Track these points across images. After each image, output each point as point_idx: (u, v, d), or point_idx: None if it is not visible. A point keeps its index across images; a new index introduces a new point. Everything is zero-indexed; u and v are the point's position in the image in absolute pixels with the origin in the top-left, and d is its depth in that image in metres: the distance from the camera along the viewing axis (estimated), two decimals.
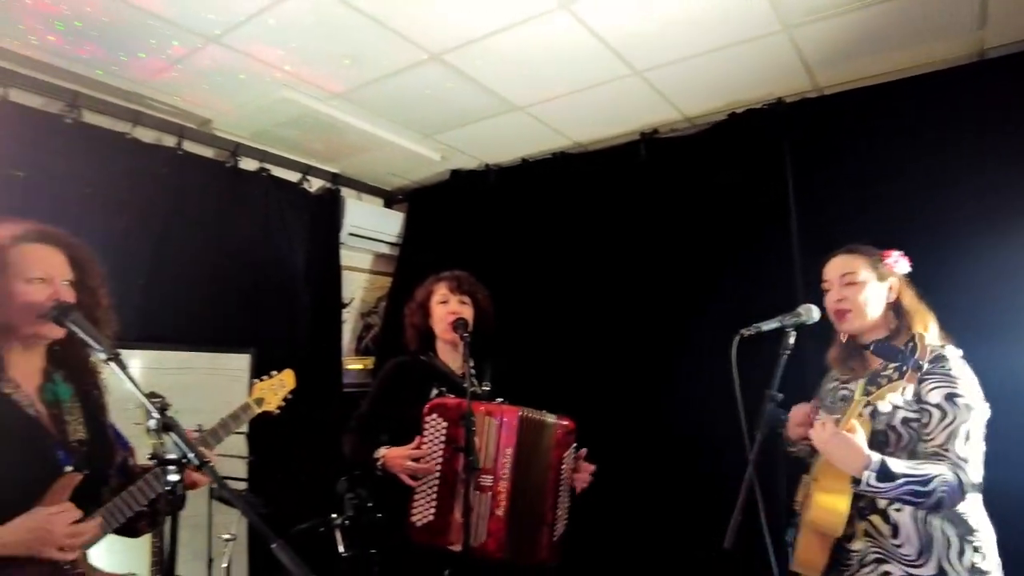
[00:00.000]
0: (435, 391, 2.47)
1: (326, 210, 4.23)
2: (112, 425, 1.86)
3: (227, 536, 2.92)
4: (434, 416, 2.33)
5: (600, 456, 2.56)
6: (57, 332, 1.63)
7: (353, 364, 4.47)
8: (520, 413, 2.35)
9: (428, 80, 3.14)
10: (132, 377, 1.46)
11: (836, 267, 2.06)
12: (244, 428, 3.20)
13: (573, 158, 3.94)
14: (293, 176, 4.08)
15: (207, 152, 3.68)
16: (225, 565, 2.91)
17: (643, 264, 3.54)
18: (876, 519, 1.84)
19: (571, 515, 2.44)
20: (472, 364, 2.54)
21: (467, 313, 2.53)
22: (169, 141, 3.48)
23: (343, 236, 4.27)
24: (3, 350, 1.60)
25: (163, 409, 1.38)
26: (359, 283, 4.61)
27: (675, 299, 3.39)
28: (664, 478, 3.25)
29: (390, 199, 4.83)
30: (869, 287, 1.99)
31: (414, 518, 2.27)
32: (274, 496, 3.11)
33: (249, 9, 2.59)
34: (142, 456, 1.92)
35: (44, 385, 1.70)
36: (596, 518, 2.93)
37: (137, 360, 3.20)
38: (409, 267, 4.47)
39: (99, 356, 1.51)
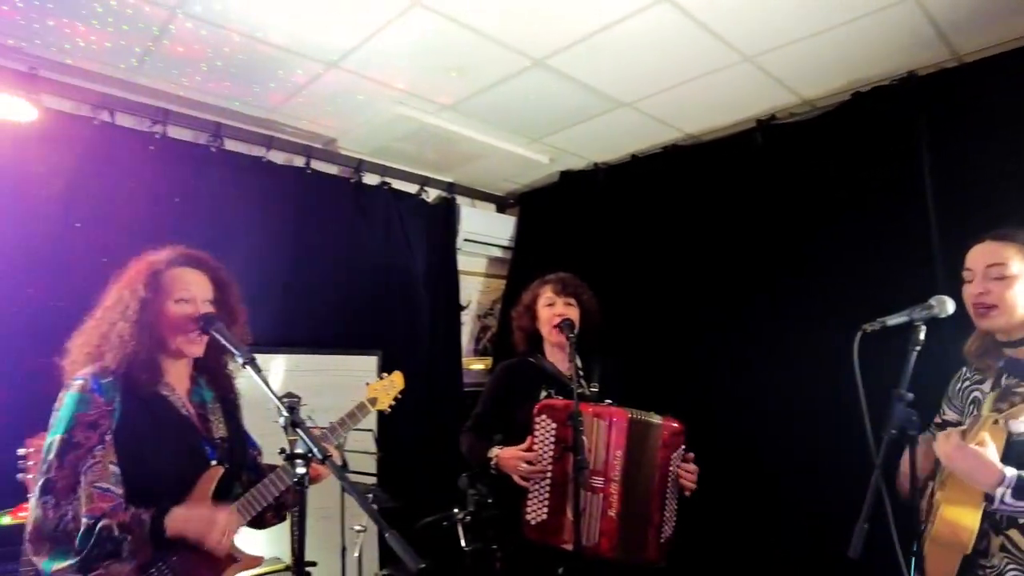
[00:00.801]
0: (544, 392, 2.51)
1: (442, 218, 4.41)
2: (243, 427, 2.07)
3: (358, 527, 3.12)
4: (543, 417, 2.37)
5: (710, 459, 2.49)
6: (197, 350, 1.83)
7: (472, 364, 4.62)
8: (630, 415, 2.34)
9: (533, 85, 3.19)
10: (265, 379, 1.62)
11: (982, 256, 1.81)
12: (371, 425, 3.43)
13: (684, 150, 3.84)
14: (411, 188, 4.29)
15: (332, 170, 3.96)
16: (357, 555, 3.12)
17: (760, 258, 3.38)
18: (1015, 534, 1.65)
19: (679, 518, 2.41)
20: (580, 365, 2.57)
21: (573, 314, 2.55)
22: (299, 162, 3.78)
23: (459, 242, 4.44)
24: (161, 359, 1.81)
25: (292, 408, 1.52)
26: (475, 286, 4.77)
27: (794, 295, 3.21)
28: (779, 482, 3.10)
29: (502, 204, 4.94)
30: (1021, 282, 1.75)
31: (528, 516, 2.33)
32: (401, 491, 3.30)
33: (361, 34, 2.76)
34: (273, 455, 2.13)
35: (192, 389, 1.92)
36: (704, 522, 2.86)
37: (276, 363, 3.50)
38: (522, 269, 4.56)
39: (238, 360, 1.69)
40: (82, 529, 1.55)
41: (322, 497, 3.22)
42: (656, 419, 2.37)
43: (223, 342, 1.73)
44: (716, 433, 2.84)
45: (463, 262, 4.55)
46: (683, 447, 2.39)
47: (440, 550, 3.51)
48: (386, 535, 1.33)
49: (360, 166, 3.97)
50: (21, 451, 2.19)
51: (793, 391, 3.08)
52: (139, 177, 3.18)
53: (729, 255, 3.51)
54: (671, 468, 2.36)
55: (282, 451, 1.62)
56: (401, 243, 4.16)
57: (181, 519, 1.65)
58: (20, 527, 2.25)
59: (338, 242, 3.85)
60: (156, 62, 2.97)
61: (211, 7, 2.56)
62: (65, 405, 1.67)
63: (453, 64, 3.02)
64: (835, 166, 3.17)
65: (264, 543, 2.37)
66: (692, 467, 2.42)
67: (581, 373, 2.54)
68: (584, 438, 2.24)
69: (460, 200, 4.55)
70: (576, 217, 4.27)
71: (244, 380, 2.01)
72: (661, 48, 2.86)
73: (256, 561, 1.91)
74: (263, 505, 1.87)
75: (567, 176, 4.36)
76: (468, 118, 3.60)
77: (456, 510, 3.06)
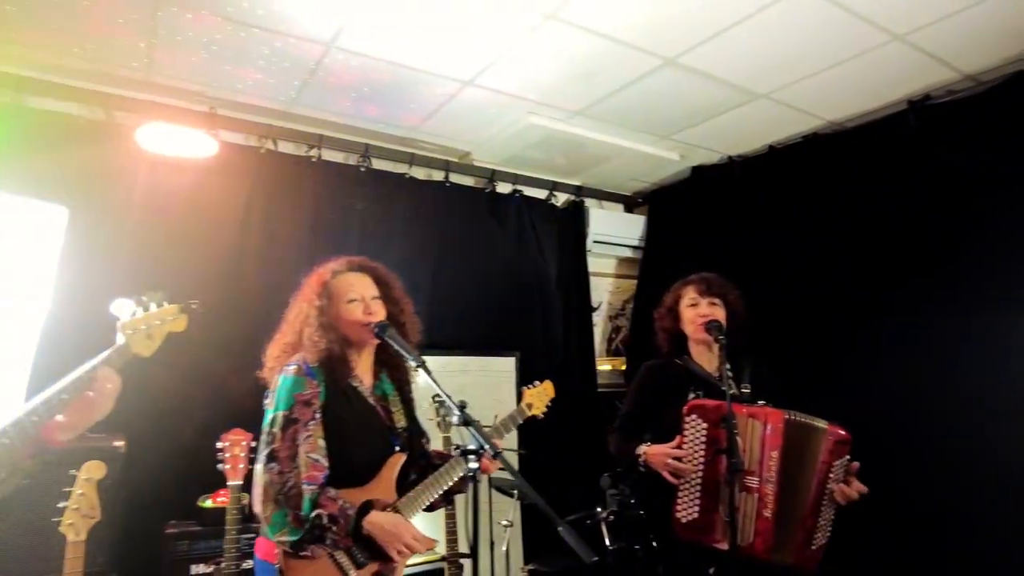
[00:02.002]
0: (692, 393, 2.50)
1: (572, 221, 4.49)
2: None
3: (505, 522, 3.25)
4: (693, 417, 2.36)
5: (869, 466, 2.36)
6: (372, 338, 2.04)
7: (605, 365, 4.65)
8: (786, 416, 2.28)
9: (663, 84, 3.18)
10: (436, 380, 1.76)
11: None
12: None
13: (827, 138, 3.66)
14: (541, 193, 4.39)
15: (468, 181, 4.14)
16: (504, 548, 3.25)
17: (915, 246, 3.15)
18: None
19: (835, 527, 2.32)
20: (728, 366, 2.53)
21: (718, 315, 2.52)
22: (437, 176, 3.99)
23: (589, 244, 4.48)
24: (349, 354, 2.03)
25: (463, 407, 1.64)
26: (605, 287, 4.79)
27: (960, 288, 2.97)
28: (944, 488, 2.87)
29: (630, 203, 4.93)
30: None
31: (679, 515, 2.33)
32: (542, 488, 3.40)
33: (495, 52, 2.89)
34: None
35: (375, 383, 2.13)
36: (864, 534, 2.70)
37: (442, 365, 3.71)
38: (653, 269, 4.53)
39: (410, 363, 1.85)
40: (305, 504, 1.77)
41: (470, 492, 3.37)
42: (820, 423, 2.28)
43: (396, 347, 1.90)
44: (871, 432, 2.68)
45: (593, 264, 4.59)
46: (847, 456, 2.29)
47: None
48: (559, 528, 1.41)
49: (493, 176, 4.13)
50: (219, 444, 2.49)
51: (957, 384, 2.86)
52: (299, 198, 3.51)
53: (879, 244, 3.30)
54: (832, 476, 2.27)
55: (456, 447, 1.75)
56: (534, 248, 4.28)
57: (376, 524, 1.84)
58: (221, 511, 2.58)
59: (476, 250, 4.03)
60: (312, 93, 3.26)
61: (360, 40, 2.79)
62: (282, 386, 1.90)
63: (584, 71, 3.08)
64: (999, 145, 2.90)
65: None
66: (859, 484, 2.30)
67: (730, 374, 2.51)
68: (738, 438, 2.21)
69: (588, 202, 4.59)
70: (709, 213, 4.19)
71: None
72: (801, 36, 2.76)
73: (431, 543, 2.05)
74: (440, 492, 2.05)
75: (699, 171, 4.29)
76: (597, 121, 3.64)
77: (599, 509, 3.11)
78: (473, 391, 3.76)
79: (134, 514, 2.62)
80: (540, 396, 2.51)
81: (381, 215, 3.74)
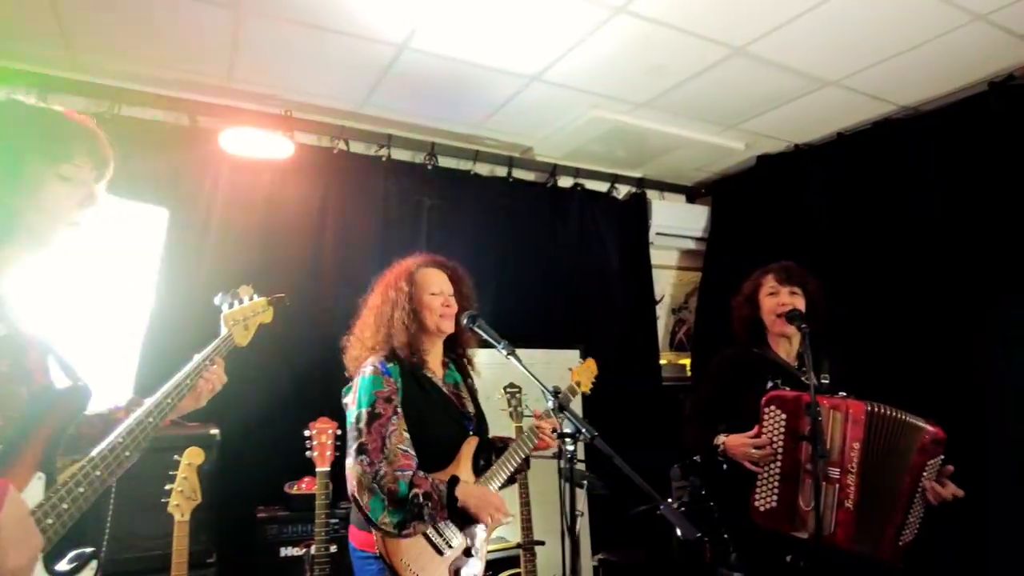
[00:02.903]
0: (770, 383, 2.49)
1: (633, 214, 4.49)
2: None
3: (576, 512, 3.28)
4: (772, 408, 2.36)
5: (964, 468, 2.31)
6: (450, 327, 2.16)
7: (669, 358, 4.63)
8: (868, 408, 2.25)
9: (731, 74, 3.16)
10: (527, 367, 1.82)
11: None
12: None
13: (899, 124, 3.56)
14: (602, 186, 4.41)
15: (530, 176, 4.20)
16: (576, 537, 3.28)
17: (1003, 234, 3.04)
18: None
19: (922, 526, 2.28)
20: (804, 356, 2.52)
21: (799, 304, 2.51)
22: (500, 171, 4.05)
23: (651, 236, 4.47)
24: (423, 342, 2.14)
25: (556, 392, 1.69)
26: (668, 280, 4.77)
27: None
28: None
29: (692, 194, 4.89)
30: None
31: (757, 503, 2.34)
32: (608, 480, 3.43)
33: (562, 47, 2.93)
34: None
35: (445, 372, 2.25)
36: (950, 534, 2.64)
37: (493, 356, 3.78)
38: (718, 260, 4.49)
39: (500, 352, 1.93)
40: (401, 486, 1.87)
41: (542, 481, 3.43)
42: (915, 420, 2.24)
43: (486, 336, 2.00)
44: (967, 434, 2.61)
45: (655, 256, 4.58)
46: (942, 456, 2.25)
47: (652, 540, 3.62)
48: (660, 508, 1.44)
49: (555, 170, 4.17)
50: (307, 432, 2.61)
51: None
52: (370, 196, 3.63)
53: (960, 232, 3.20)
54: (925, 473, 2.23)
55: (553, 431, 1.83)
56: (595, 241, 4.30)
57: (467, 493, 1.96)
58: (306, 496, 2.71)
59: (539, 243, 4.08)
60: (382, 93, 3.36)
61: (432, 40, 2.87)
62: (363, 386, 2.01)
63: (651, 63, 3.08)
64: None
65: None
66: (954, 488, 2.25)
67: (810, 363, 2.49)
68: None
69: (650, 194, 4.59)
70: (775, 202, 4.12)
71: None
72: (874, 20, 2.70)
73: (507, 516, 2.14)
74: (511, 472, 2.17)
75: (764, 160, 4.23)
76: (661, 113, 3.63)
77: (670, 500, 3.13)
78: (533, 384, 3.80)
79: (228, 499, 2.76)
80: (585, 373, 2.61)
81: (447, 211, 3.83)
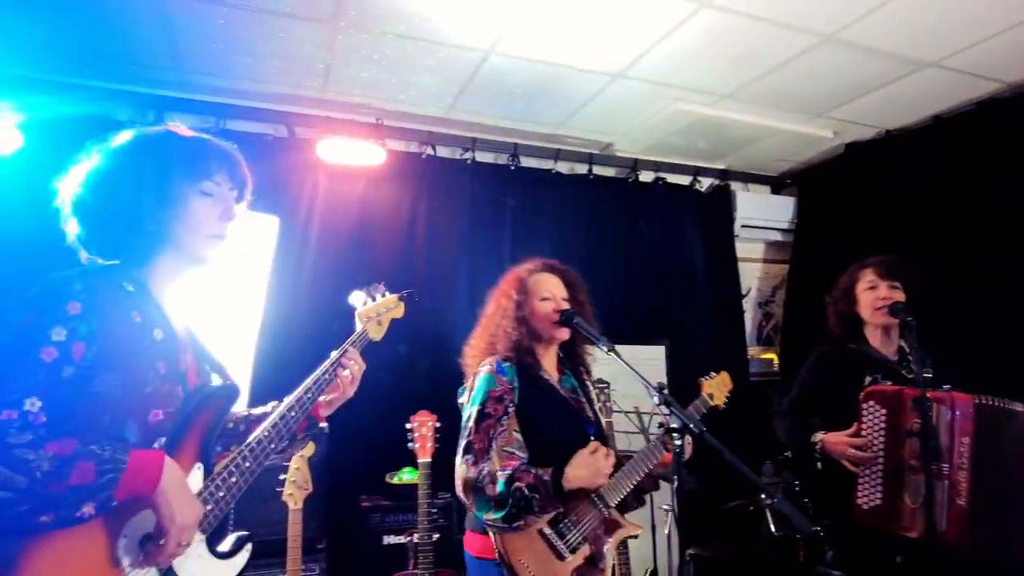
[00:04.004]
0: (868, 378, 2.43)
1: (717, 206, 4.42)
2: None
3: (666, 507, 3.30)
4: (872, 403, 2.30)
5: None
6: (564, 335, 2.14)
7: (756, 354, 4.55)
8: (976, 401, 2.17)
9: (820, 61, 3.08)
10: (629, 363, 1.84)
11: None
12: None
13: (1006, 103, 3.37)
14: (684, 179, 4.37)
15: (610, 172, 4.21)
16: (667, 532, 3.30)
17: None
18: None
19: None
20: (908, 350, 2.45)
21: (899, 298, 2.43)
22: (581, 169, 4.09)
23: (736, 228, 4.40)
24: (536, 349, 2.15)
25: (661, 388, 1.72)
26: (753, 273, 4.68)
27: None
28: None
29: (777, 185, 4.77)
30: None
31: (860, 501, 2.29)
32: (700, 476, 3.41)
33: (646, 43, 2.94)
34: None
35: (561, 377, 2.24)
36: None
37: None
38: (806, 252, 4.37)
39: (601, 348, 1.95)
40: (499, 485, 1.86)
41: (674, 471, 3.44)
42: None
43: (584, 333, 2.02)
44: None
45: (740, 249, 4.50)
46: None
47: (746, 535, 3.58)
48: (774, 501, 1.45)
49: (635, 165, 4.16)
50: (408, 425, 2.73)
51: None
52: (457, 199, 3.75)
53: None
54: None
55: (660, 425, 1.83)
56: (679, 235, 4.27)
57: (573, 477, 1.89)
58: (407, 487, 2.84)
59: (621, 239, 4.09)
60: (468, 98, 3.47)
61: (518, 44, 2.94)
62: (478, 384, 2.04)
63: (736, 55, 3.05)
64: None
65: None
66: None
67: (910, 358, 2.42)
68: (919, 423, 2.14)
69: (734, 185, 4.51)
70: (865, 190, 3.98)
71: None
72: None
73: (637, 528, 2.10)
74: (640, 477, 2.05)
75: (854, 148, 4.08)
76: (746, 104, 3.58)
77: (763, 496, 3.08)
78: (623, 379, 3.80)
79: (334, 488, 2.93)
80: (719, 387, 2.43)
81: (530, 211, 3.90)
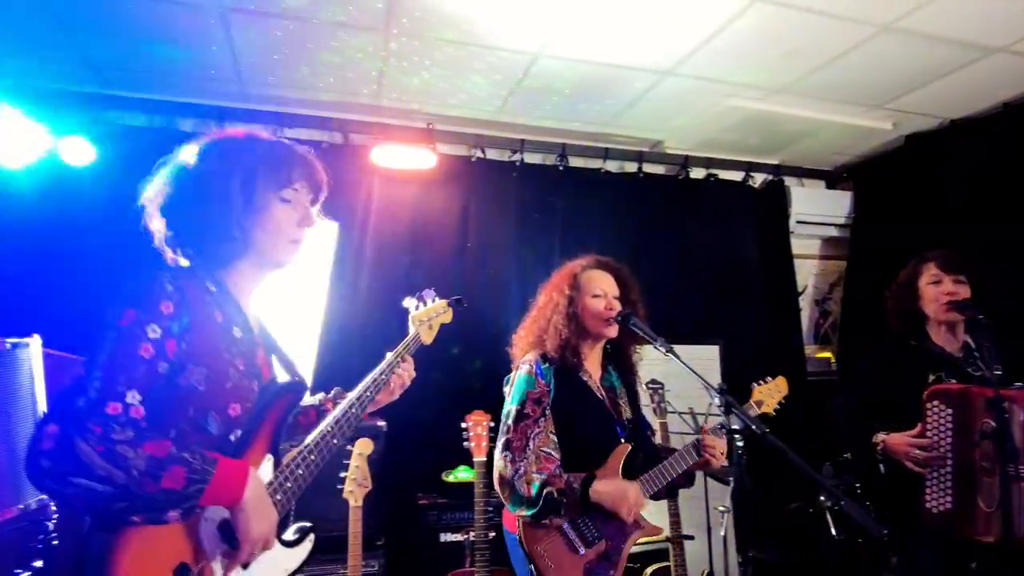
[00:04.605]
0: (932, 376, 2.36)
1: (771, 202, 4.34)
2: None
3: (722, 508, 3.26)
4: (936, 403, 2.24)
5: None
6: (612, 332, 2.15)
7: (813, 352, 4.44)
8: None
9: (879, 52, 3.00)
10: (687, 363, 1.84)
11: None
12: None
13: None
14: (737, 175, 4.30)
15: (660, 169, 4.18)
16: (723, 534, 3.26)
17: None
18: None
19: None
20: (973, 347, 2.37)
21: (963, 293, 2.35)
22: (630, 167, 4.07)
23: (791, 225, 4.30)
24: (582, 346, 2.17)
25: (723, 390, 1.70)
26: (809, 270, 4.57)
27: None
28: None
29: (832, 179, 4.64)
30: None
31: (929, 505, 2.22)
32: (756, 478, 3.36)
33: (697, 40, 2.91)
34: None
35: (603, 375, 2.25)
36: None
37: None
38: (864, 247, 4.25)
39: (659, 349, 1.95)
40: (534, 488, 1.94)
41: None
42: None
43: (641, 333, 2.02)
44: None
45: (795, 245, 4.40)
46: None
47: (804, 537, 3.50)
48: (842, 503, 1.43)
49: (686, 162, 4.12)
50: (464, 424, 2.77)
51: None
52: (506, 200, 3.78)
53: None
54: None
55: (721, 427, 1.84)
56: (732, 232, 4.21)
57: (601, 490, 1.96)
58: (462, 485, 2.88)
59: (673, 237, 4.06)
60: (517, 100, 3.49)
61: (567, 46, 2.95)
62: (518, 383, 2.10)
63: (789, 48, 2.99)
64: None
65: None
66: None
67: (977, 355, 2.33)
68: (992, 423, 2.06)
69: (787, 180, 4.41)
70: (926, 182, 3.84)
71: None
72: None
73: (656, 530, 2.15)
74: (665, 483, 2.09)
75: (914, 139, 3.95)
76: (800, 97, 3.50)
77: (825, 498, 3.01)
78: (677, 380, 3.76)
79: (391, 486, 2.99)
80: (771, 393, 2.37)
81: (580, 211, 3.90)
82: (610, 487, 1.97)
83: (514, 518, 2.06)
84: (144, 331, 1.18)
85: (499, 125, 3.78)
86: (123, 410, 1.12)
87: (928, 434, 2.24)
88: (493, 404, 2.74)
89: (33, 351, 1.69)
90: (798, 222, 4.32)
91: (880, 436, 2.38)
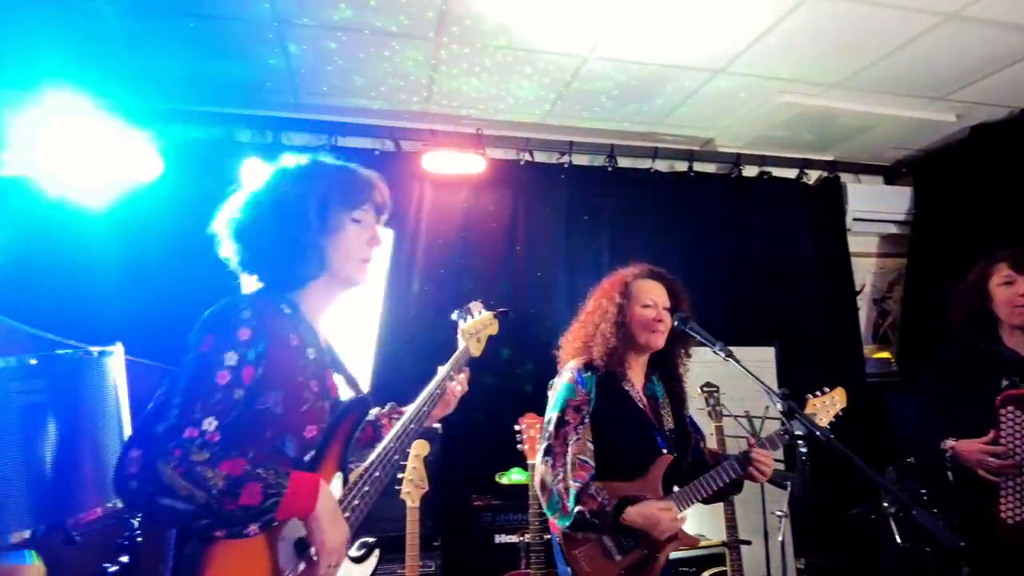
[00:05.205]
0: (1005, 381, 2.26)
1: (826, 199, 4.23)
2: (689, 416, 2.30)
3: (779, 512, 3.19)
4: (1011, 409, 2.15)
5: None
6: (660, 342, 2.12)
7: (872, 353, 4.31)
8: None
9: (942, 41, 2.90)
10: (749, 369, 1.81)
11: None
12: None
13: None
14: (790, 173, 4.20)
15: (711, 168, 4.12)
16: (780, 539, 3.19)
17: None
18: None
19: None
20: None
21: None
22: (680, 167, 4.02)
23: (848, 222, 4.19)
24: (628, 356, 2.14)
25: (785, 396, 1.67)
26: (867, 268, 4.44)
27: None
28: None
29: (891, 174, 4.50)
30: None
31: (1004, 515, 2.14)
32: (818, 481, 3.28)
33: (749, 38, 2.86)
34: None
35: (646, 384, 2.22)
36: None
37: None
38: (925, 244, 4.11)
39: (718, 354, 1.92)
40: (570, 500, 1.92)
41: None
42: None
43: (699, 338, 2.00)
44: None
45: (852, 243, 4.28)
46: None
47: (866, 544, 3.41)
48: (913, 512, 1.39)
49: (738, 160, 4.05)
50: (517, 427, 2.79)
51: None
52: (555, 203, 3.79)
53: None
54: None
55: (784, 433, 1.80)
56: (786, 231, 4.12)
57: (634, 515, 1.90)
58: (519, 487, 2.90)
59: (725, 237, 3.99)
60: (565, 103, 3.50)
61: (616, 48, 2.94)
62: (560, 390, 2.10)
63: (846, 42, 2.92)
64: None
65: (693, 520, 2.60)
66: None
67: None
68: None
69: (843, 177, 4.29)
70: (993, 176, 3.68)
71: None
72: None
73: (694, 541, 2.12)
74: (700, 499, 2.04)
75: (979, 131, 3.79)
76: (856, 91, 3.41)
77: (886, 504, 2.92)
78: (730, 383, 3.70)
79: (446, 487, 3.04)
80: (827, 407, 2.24)
81: (629, 212, 3.88)
82: (643, 514, 1.91)
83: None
84: (222, 358, 1.23)
85: (547, 128, 3.79)
86: (199, 435, 1.17)
87: (1002, 441, 2.15)
88: (543, 406, 2.75)
89: (117, 359, 1.79)
90: (855, 219, 4.20)
91: (949, 442, 2.29)
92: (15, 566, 1.58)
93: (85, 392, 1.66)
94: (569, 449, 1.99)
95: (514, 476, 3.07)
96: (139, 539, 1.89)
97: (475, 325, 1.95)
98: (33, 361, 1.53)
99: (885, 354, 4.40)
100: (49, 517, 1.50)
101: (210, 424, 1.19)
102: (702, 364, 2.92)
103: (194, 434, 1.17)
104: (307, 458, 1.37)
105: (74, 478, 1.60)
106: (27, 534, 1.50)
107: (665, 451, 2.09)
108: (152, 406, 1.19)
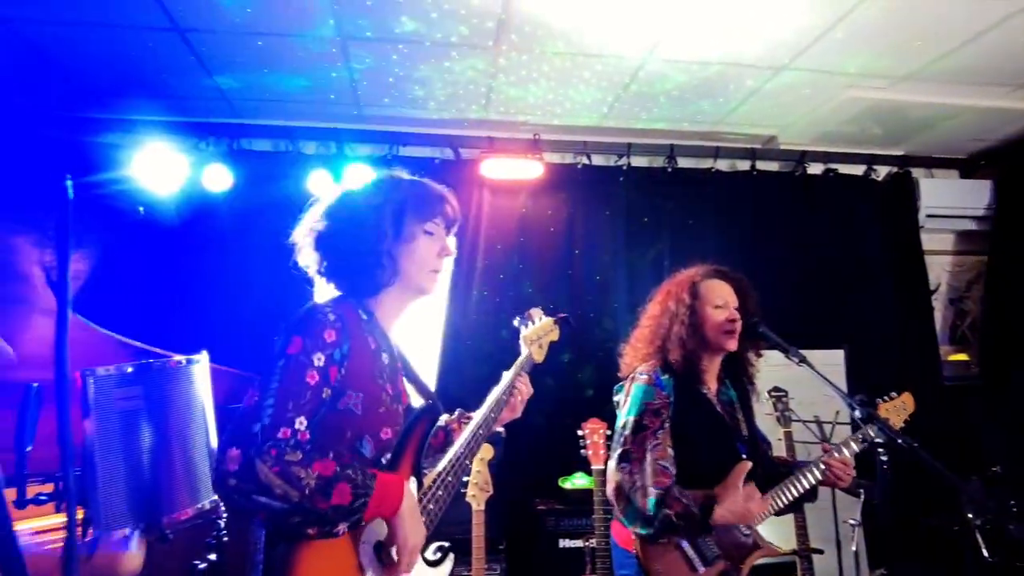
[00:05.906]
0: None
1: (897, 196, 4.07)
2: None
3: (852, 521, 3.08)
4: None
5: None
6: (733, 345, 2.07)
7: (948, 355, 4.12)
8: None
9: (1019, 30, 2.75)
10: (821, 372, 1.77)
11: None
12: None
13: None
14: (858, 169, 4.06)
15: (774, 166, 4.02)
16: (854, 549, 3.08)
17: None
18: None
19: None
20: None
21: None
22: (743, 165, 3.94)
23: (921, 219, 4.02)
24: (702, 357, 2.10)
25: (863, 403, 1.63)
26: (943, 267, 4.24)
27: None
28: None
29: (967, 168, 4.29)
30: None
31: None
32: (892, 489, 3.15)
33: (814, 32, 2.79)
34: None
35: (720, 389, 2.16)
36: None
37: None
38: (1008, 240, 3.91)
39: (792, 359, 1.87)
40: (650, 505, 1.87)
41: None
42: None
43: (772, 341, 1.96)
44: None
45: (926, 241, 4.10)
46: None
47: (947, 556, 3.26)
48: (1011, 527, 1.34)
49: (802, 157, 3.94)
50: (580, 432, 2.78)
51: None
52: (613, 205, 3.77)
53: None
54: None
55: (864, 440, 1.75)
56: (854, 230, 3.98)
57: (724, 512, 1.87)
58: (579, 491, 2.89)
59: (790, 237, 3.89)
60: (623, 105, 3.48)
61: (675, 48, 2.91)
62: (635, 393, 2.04)
63: (917, 33, 2.81)
64: None
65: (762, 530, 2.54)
66: None
67: None
68: None
69: (915, 172, 4.12)
70: None
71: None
72: None
73: (775, 551, 2.05)
74: (790, 500, 2.01)
75: None
76: (928, 83, 3.28)
77: (971, 516, 2.79)
78: (797, 387, 3.60)
79: (510, 492, 3.06)
80: (897, 411, 2.20)
81: (690, 212, 3.83)
82: (731, 510, 1.87)
83: (626, 532, 2.01)
84: (311, 359, 1.28)
85: (605, 131, 3.78)
86: (292, 434, 1.22)
87: None
88: (605, 410, 2.74)
89: (203, 366, 1.88)
90: (928, 216, 4.03)
91: None
92: (116, 552, 1.70)
93: (175, 398, 1.76)
94: (648, 455, 1.93)
95: (577, 480, 3.07)
96: (225, 538, 1.99)
97: (536, 331, 1.96)
98: (130, 369, 1.64)
99: (963, 356, 4.19)
100: (147, 516, 1.60)
101: (301, 423, 1.24)
102: (768, 367, 2.86)
103: (287, 434, 1.21)
104: (384, 460, 1.42)
105: (168, 480, 1.69)
106: (127, 531, 1.61)
107: (745, 457, 2.02)
108: (244, 407, 1.25)
